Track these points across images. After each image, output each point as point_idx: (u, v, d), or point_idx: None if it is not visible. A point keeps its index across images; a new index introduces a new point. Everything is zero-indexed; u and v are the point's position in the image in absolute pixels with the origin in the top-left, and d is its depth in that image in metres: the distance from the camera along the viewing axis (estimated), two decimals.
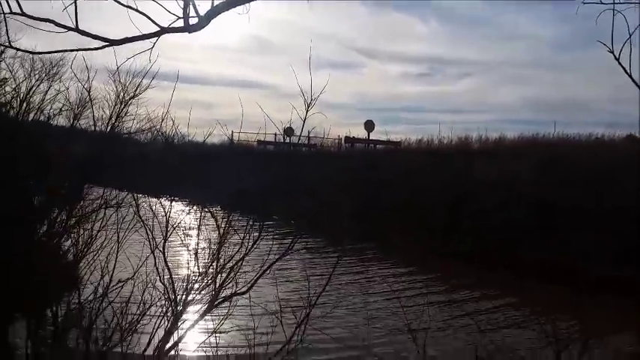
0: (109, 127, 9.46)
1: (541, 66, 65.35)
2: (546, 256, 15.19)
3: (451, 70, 72.79)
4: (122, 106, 9.31)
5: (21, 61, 12.27)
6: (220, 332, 5.66)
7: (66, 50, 3.54)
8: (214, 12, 3.29)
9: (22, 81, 12.19)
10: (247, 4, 3.23)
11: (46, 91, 12.79)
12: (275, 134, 29.76)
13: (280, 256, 5.77)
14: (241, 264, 5.52)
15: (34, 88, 13.01)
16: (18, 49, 3.44)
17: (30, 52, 3.57)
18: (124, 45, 3.80)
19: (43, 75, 13.65)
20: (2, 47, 8.63)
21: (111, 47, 3.81)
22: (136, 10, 3.58)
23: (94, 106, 9.15)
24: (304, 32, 61.94)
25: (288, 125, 6.40)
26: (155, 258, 5.82)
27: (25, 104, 11.99)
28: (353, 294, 13.53)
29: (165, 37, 3.80)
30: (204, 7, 3.53)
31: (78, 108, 10.97)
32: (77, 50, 3.53)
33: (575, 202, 16.05)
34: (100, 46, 3.50)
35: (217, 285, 5.52)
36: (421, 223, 18.64)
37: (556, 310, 9.27)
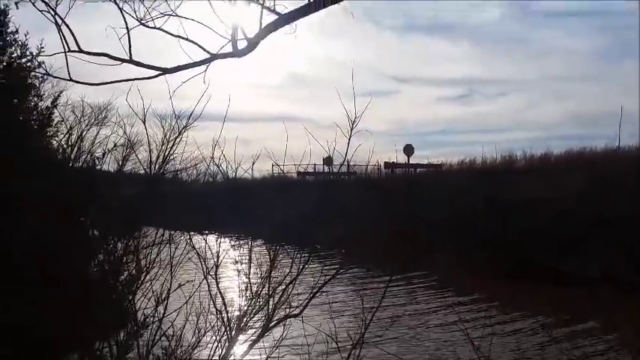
0: (156, 167, 9.80)
1: (579, 79, 63.96)
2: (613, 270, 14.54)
3: (487, 90, 72.11)
4: (168, 145, 9.64)
5: (72, 107, 12.93)
6: (276, 355, 5.63)
7: (121, 80, 3.71)
8: (263, 34, 3.40)
9: (73, 126, 12.83)
10: (294, 24, 3.31)
11: (95, 135, 13.39)
12: (314, 165, 30.04)
13: (332, 276, 5.75)
14: (293, 286, 5.52)
15: (84, 133, 13.65)
16: (77, 82, 3.62)
17: (90, 84, 3.75)
18: (175, 75, 3.99)
19: (92, 120, 14.32)
20: (61, 92, 9.14)
21: (163, 78, 4.01)
22: (186, 39, 3.75)
23: (140, 148, 9.49)
24: (335, 64, 62.84)
25: (327, 155, 6.46)
26: (208, 284, 5.90)
27: (75, 148, 12.58)
28: (409, 318, 13.25)
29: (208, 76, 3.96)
30: (250, 31, 3.67)
31: (125, 150, 11.41)
32: (133, 80, 3.70)
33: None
34: (154, 75, 3.66)
35: (270, 308, 5.52)
36: (468, 242, 18.24)
37: None
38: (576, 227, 16.37)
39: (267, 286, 5.57)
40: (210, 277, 5.83)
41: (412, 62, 71.22)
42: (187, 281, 6.43)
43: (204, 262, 5.83)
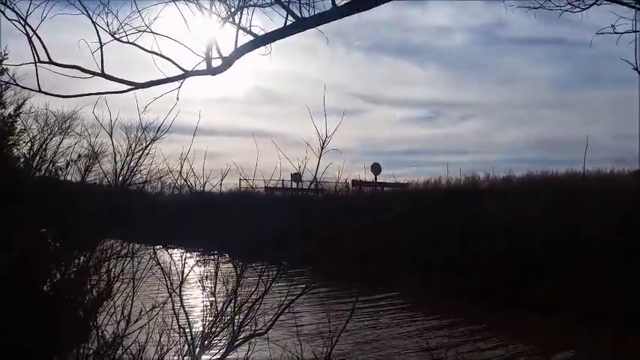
0: (119, 179, 9.62)
1: (542, 106, 66.12)
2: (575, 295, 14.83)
3: (453, 113, 73.67)
4: (133, 157, 9.50)
5: (35, 115, 12.63)
6: None
7: (92, 94, 3.67)
8: (238, 53, 3.43)
9: (36, 135, 12.52)
10: (269, 45, 3.36)
11: (58, 145, 13.10)
12: (283, 180, 29.96)
13: (298, 295, 5.74)
14: (260, 303, 5.49)
15: (46, 142, 13.34)
16: (47, 94, 3.55)
17: (60, 96, 3.68)
18: (146, 89, 3.96)
19: (56, 129, 14.03)
20: (25, 100, 8.91)
21: (133, 91, 3.98)
22: (160, 55, 3.75)
23: (104, 159, 9.33)
24: (305, 81, 63.27)
25: (296, 172, 6.49)
26: (172, 301, 5.81)
27: (38, 157, 12.25)
28: (376, 339, 13.25)
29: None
30: (225, 50, 3.70)
31: (89, 161, 11.19)
32: (103, 93, 3.66)
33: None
34: (126, 89, 3.63)
35: (235, 326, 5.47)
36: (435, 262, 18.44)
37: None
38: (541, 250, 16.75)
39: (232, 303, 5.52)
40: (174, 293, 5.75)
41: (380, 83, 72.34)
42: (153, 306, 6.29)
43: (169, 278, 5.74)
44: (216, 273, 5.70)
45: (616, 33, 5.05)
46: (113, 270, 7.57)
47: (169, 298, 5.76)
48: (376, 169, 34.05)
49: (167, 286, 5.68)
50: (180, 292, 5.68)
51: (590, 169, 23.42)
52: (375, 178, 33.89)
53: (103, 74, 3.72)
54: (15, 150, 9.40)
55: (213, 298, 5.61)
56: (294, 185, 32.26)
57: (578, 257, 15.88)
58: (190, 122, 6.20)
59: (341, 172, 6.39)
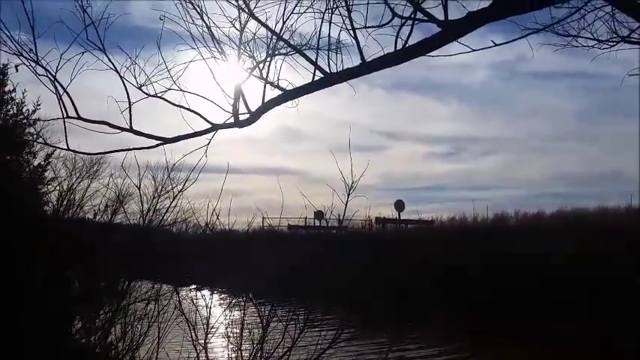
0: (146, 222, 9.66)
1: (566, 139, 65.17)
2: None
3: (476, 148, 73.17)
4: (159, 199, 9.55)
5: (64, 160, 12.86)
6: None
7: (121, 150, 3.66)
8: (265, 107, 3.38)
9: (64, 179, 12.71)
10: (297, 99, 3.31)
11: (86, 189, 13.28)
12: (305, 218, 29.80)
13: (326, 348, 5.53)
14: (288, 357, 5.29)
15: (74, 186, 13.53)
16: (76, 152, 3.55)
17: (87, 154, 3.68)
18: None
19: (84, 173, 14.25)
20: (55, 149, 9.09)
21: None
22: (188, 109, 3.73)
23: (131, 202, 9.39)
24: (328, 120, 63.78)
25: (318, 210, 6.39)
26: (197, 353, 5.65)
27: (65, 201, 12.42)
28: None
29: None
30: (253, 101, 3.66)
31: (115, 204, 11.29)
32: (132, 150, 3.64)
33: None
34: (154, 144, 3.61)
35: None
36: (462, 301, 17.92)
37: None
38: (569, 291, 16.22)
39: (259, 356, 5.34)
40: (199, 345, 5.60)
41: (402, 119, 72.52)
42: (176, 351, 6.14)
43: (194, 330, 5.60)
44: (242, 325, 5.54)
45: None
46: (134, 317, 7.49)
47: (195, 351, 5.62)
48: (400, 205, 33.70)
49: (192, 340, 5.54)
50: (206, 344, 5.54)
51: (620, 205, 22.93)
52: (399, 215, 33.50)
53: (131, 130, 3.71)
54: (44, 198, 9.53)
55: (238, 352, 5.43)
56: (317, 223, 32.08)
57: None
58: (215, 162, 6.17)
59: (368, 210, 6.28)
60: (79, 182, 13.77)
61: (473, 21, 2.89)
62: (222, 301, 7.29)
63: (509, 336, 15.91)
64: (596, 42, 5.04)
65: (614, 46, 5.05)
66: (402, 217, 33.39)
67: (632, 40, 4.87)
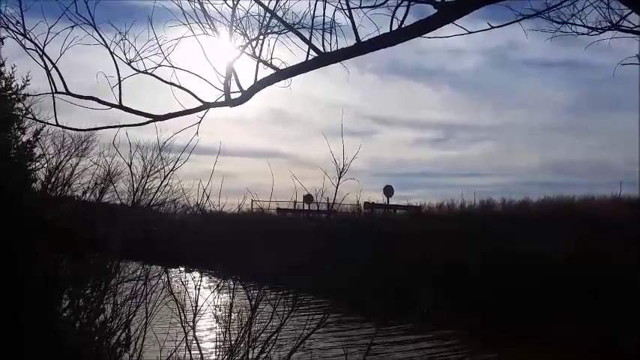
0: (134, 201, 9.60)
1: (556, 129, 65.53)
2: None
3: (465, 135, 73.26)
4: (147, 179, 9.48)
5: (52, 137, 12.72)
6: None
7: (110, 127, 3.61)
8: (258, 86, 3.34)
9: (52, 157, 12.58)
10: (289, 79, 3.28)
11: (75, 166, 13.16)
12: (295, 202, 29.84)
13: (314, 329, 5.57)
14: (275, 339, 5.32)
15: (62, 163, 13.38)
16: (65, 127, 3.49)
17: (76, 130, 3.63)
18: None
19: (73, 150, 14.09)
20: (44, 125, 8.97)
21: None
22: (179, 87, 3.68)
23: (119, 181, 9.32)
24: (317, 102, 63.52)
25: (307, 193, 6.41)
26: (185, 333, 5.67)
27: (53, 179, 12.29)
28: None
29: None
30: (245, 79, 3.61)
31: (104, 182, 11.20)
32: (121, 126, 3.59)
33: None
34: (144, 121, 3.56)
35: None
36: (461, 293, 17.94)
37: None
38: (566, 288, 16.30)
39: (247, 338, 5.36)
40: (187, 325, 5.61)
41: (392, 104, 72.35)
42: (164, 331, 6.13)
43: (183, 310, 5.60)
44: (230, 307, 5.55)
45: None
46: (122, 296, 7.47)
47: (183, 330, 5.63)
48: (389, 191, 33.79)
49: (181, 320, 5.54)
50: (194, 324, 5.55)
51: (607, 195, 23.12)
52: (388, 200, 33.62)
53: (120, 106, 3.65)
54: (32, 175, 9.43)
55: (227, 333, 5.45)
56: (306, 207, 32.13)
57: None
58: (206, 143, 6.13)
59: (359, 195, 6.30)
60: (68, 160, 13.65)
61: (469, 3, 2.87)
62: (211, 283, 7.29)
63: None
64: (587, 29, 5.06)
65: (603, 32, 5.06)
66: (390, 203, 33.54)
67: (622, 27, 4.89)
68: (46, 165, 11.50)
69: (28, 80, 9.22)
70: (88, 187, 10.84)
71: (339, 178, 5.34)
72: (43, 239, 6.73)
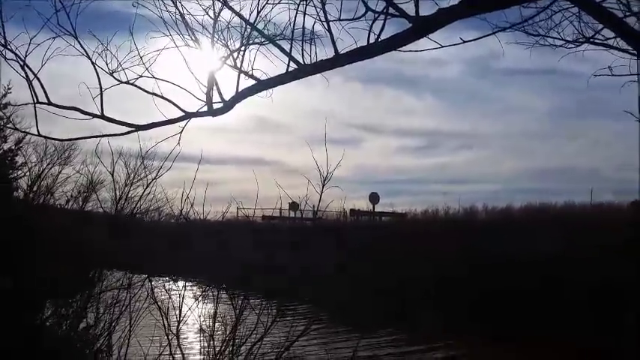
0: (118, 209, 9.55)
1: (540, 137, 66.38)
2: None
3: (450, 143, 73.88)
4: (131, 187, 9.46)
5: (34, 146, 12.62)
6: None
7: (92, 137, 3.64)
8: (239, 97, 3.40)
9: (34, 165, 12.46)
10: (271, 89, 3.34)
11: (57, 175, 13.06)
12: (280, 209, 29.79)
13: (298, 336, 5.61)
14: (259, 346, 5.35)
15: (45, 172, 13.27)
16: (47, 137, 3.52)
17: (58, 140, 3.65)
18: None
19: (55, 159, 13.98)
20: (25, 134, 8.92)
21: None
22: (161, 97, 3.72)
23: (102, 189, 9.30)
24: (300, 110, 63.56)
25: (293, 201, 6.45)
26: (169, 341, 5.67)
27: (35, 187, 12.18)
28: None
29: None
30: (227, 89, 3.67)
31: (87, 191, 11.13)
32: (103, 136, 3.62)
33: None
34: (126, 131, 3.59)
35: None
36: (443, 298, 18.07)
37: None
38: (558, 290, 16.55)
39: (231, 346, 5.38)
40: (171, 333, 5.61)
41: (376, 112, 72.66)
42: (148, 338, 6.13)
43: (166, 318, 5.61)
44: (214, 315, 5.57)
45: (613, 75, 5.08)
46: (107, 305, 7.44)
47: (166, 339, 5.63)
48: (374, 198, 33.93)
49: (165, 328, 5.55)
50: (178, 332, 5.55)
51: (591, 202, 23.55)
52: (373, 208, 33.77)
53: (102, 116, 3.68)
54: (15, 184, 9.35)
55: (211, 340, 5.46)
56: (292, 214, 32.13)
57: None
58: (188, 151, 6.15)
59: (343, 201, 6.37)
60: (50, 168, 13.53)
61: (443, 17, 2.96)
62: (194, 292, 7.30)
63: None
64: (563, 42, 5.23)
65: (579, 45, 5.24)
66: (376, 210, 33.69)
67: (596, 41, 5.06)
68: (28, 173, 11.42)
69: (9, 89, 9.18)
70: (71, 196, 10.79)
71: (323, 186, 5.41)
72: (25, 244, 6.71)
